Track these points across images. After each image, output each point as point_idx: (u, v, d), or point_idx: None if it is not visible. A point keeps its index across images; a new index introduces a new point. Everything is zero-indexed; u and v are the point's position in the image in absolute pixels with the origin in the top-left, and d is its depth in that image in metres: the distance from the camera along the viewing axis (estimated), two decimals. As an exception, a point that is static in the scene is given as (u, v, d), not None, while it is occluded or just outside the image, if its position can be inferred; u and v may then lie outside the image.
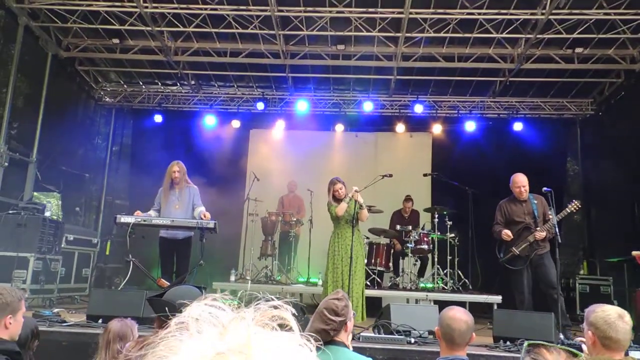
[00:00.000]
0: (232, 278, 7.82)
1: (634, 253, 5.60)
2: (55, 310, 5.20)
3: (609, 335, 2.16)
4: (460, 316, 2.47)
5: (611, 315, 2.20)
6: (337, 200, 5.78)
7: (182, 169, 6.03)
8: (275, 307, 0.60)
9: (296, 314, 0.60)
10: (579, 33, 7.40)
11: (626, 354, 2.29)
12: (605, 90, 9.12)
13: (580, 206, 5.51)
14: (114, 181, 10.26)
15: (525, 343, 2.02)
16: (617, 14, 6.94)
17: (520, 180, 5.65)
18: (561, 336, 4.55)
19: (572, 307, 7.69)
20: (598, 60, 8.13)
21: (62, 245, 6.95)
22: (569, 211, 5.45)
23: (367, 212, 5.88)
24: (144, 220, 5.67)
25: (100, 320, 4.50)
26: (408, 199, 8.52)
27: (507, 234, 5.58)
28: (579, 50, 7.87)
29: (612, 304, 5.51)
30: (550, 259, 5.47)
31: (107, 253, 8.41)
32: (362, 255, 5.85)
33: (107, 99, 10.40)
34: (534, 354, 1.84)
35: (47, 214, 6.82)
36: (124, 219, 5.62)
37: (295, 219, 8.39)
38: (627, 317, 2.21)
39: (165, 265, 6.04)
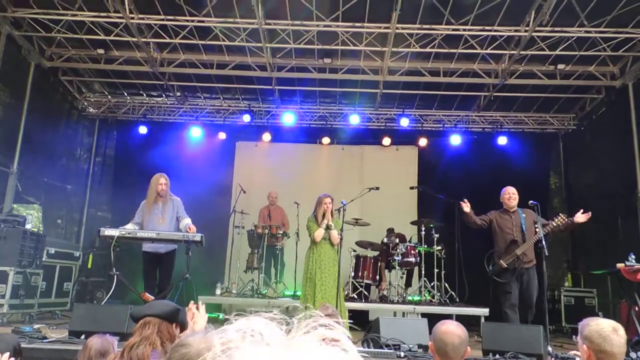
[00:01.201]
0: (218, 291, 7.72)
1: (619, 265, 5.69)
2: (36, 326, 5.04)
3: (603, 349, 2.15)
4: (453, 330, 2.44)
5: (605, 328, 2.19)
6: (325, 215, 5.77)
7: (168, 182, 5.97)
8: (325, 326, 0.56)
9: (349, 336, 0.57)
10: (561, 50, 7.57)
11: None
12: (586, 106, 9.32)
13: (565, 219, 5.60)
14: (96, 193, 10.07)
15: None
16: (597, 32, 7.11)
17: (510, 189, 5.92)
18: (549, 349, 4.57)
19: (557, 318, 7.76)
20: (580, 77, 8.31)
21: (43, 259, 6.76)
22: (555, 224, 5.53)
23: (337, 236, 5.79)
24: (129, 234, 5.56)
25: (82, 337, 4.35)
26: (390, 232, 8.41)
27: (466, 204, 5.81)
28: (561, 66, 8.03)
29: (597, 315, 5.56)
30: (534, 276, 5.56)
31: (89, 267, 8.22)
32: (333, 270, 5.76)
33: (91, 110, 10.25)
34: None
35: (28, 226, 6.64)
36: (108, 231, 5.50)
37: (281, 232, 8.34)
38: (621, 330, 2.21)
39: (148, 280, 5.93)
